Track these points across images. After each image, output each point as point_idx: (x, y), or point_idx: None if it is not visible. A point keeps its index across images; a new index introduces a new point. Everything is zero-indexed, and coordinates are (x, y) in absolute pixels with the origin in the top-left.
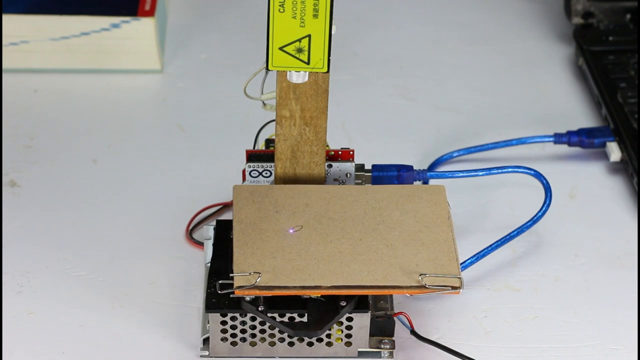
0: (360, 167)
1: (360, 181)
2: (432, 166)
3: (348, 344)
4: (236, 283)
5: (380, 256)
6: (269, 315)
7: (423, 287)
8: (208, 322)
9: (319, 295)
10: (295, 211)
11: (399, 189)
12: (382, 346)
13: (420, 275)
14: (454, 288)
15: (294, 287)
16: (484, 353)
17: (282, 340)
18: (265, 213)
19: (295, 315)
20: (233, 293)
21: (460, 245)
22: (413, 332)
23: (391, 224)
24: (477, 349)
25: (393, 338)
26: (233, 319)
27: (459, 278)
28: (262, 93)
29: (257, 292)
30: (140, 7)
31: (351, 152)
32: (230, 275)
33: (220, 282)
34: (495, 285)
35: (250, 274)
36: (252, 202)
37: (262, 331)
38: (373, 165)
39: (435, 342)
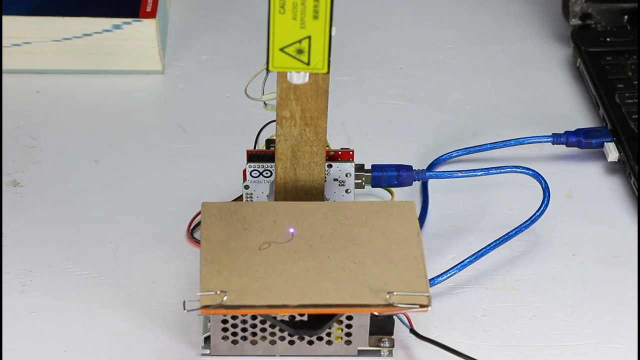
0: (360, 167)
1: (360, 181)
2: (431, 166)
3: (348, 342)
4: (202, 302)
5: (348, 274)
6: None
7: (391, 305)
8: (209, 321)
9: (286, 314)
10: (264, 228)
11: (368, 205)
12: (382, 345)
13: (388, 293)
14: (422, 306)
15: (261, 306)
16: (483, 352)
17: (282, 339)
18: (233, 230)
19: (295, 314)
20: (199, 312)
21: (458, 245)
22: (412, 331)
23: (360, 241)
24: (476, 348)
25: (392, 337)
26: (234, 317)
27: (427, 296)
28: (262, 94)
29: (224, 311)
30: (142, 9)
31: (351, 152)
32: (197, 294)
33: (185, 301)
34: (494, 285)
35: (216, 292)
36: (220, 220)
37: (263, 330)
38: (373, 165)
39: (435, 340)
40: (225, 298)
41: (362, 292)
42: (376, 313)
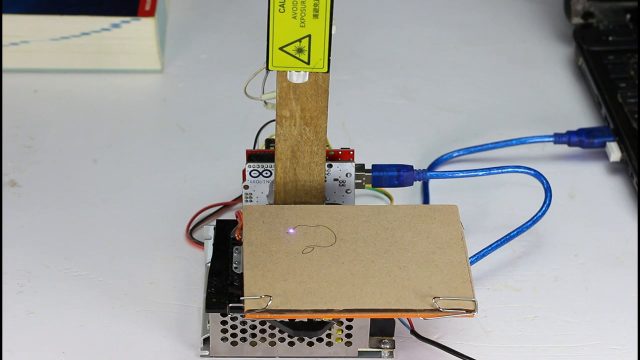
0: (360, 167)
1: (360, 181)
2: (432, 166)
3: (348, 343)
4: (247, 307)
5: (393, 278)
6: None
7: (437, 310)
8: (208, 322)
9: (331, 318)
10: (306, 232)
11: (411, 209)
12: (382, 346)
13: (434, 298)
14: (468, 311)
15: (306, 311)
16: (484, 353)
17: (282, 340)
18: (275, 234)
19: None
20: (244, 317)
21: None
22: (413, 332)
23: (404, 245)
24: (477, 349)
25: (393, 338)
26: (233, 318)
27: (474, 301)
28: (262, 93)
29: (268, 316)
30: (141, 7)
31: (351, 152)
32: (241, 298)
33: (230, 305)
34: (495, 285)
35: (261, 297)
36: (262, 223)
37: (262, 331)
38: (373, 165)
39: (435, 341)
40: (270, 302)
41: (407, 297)
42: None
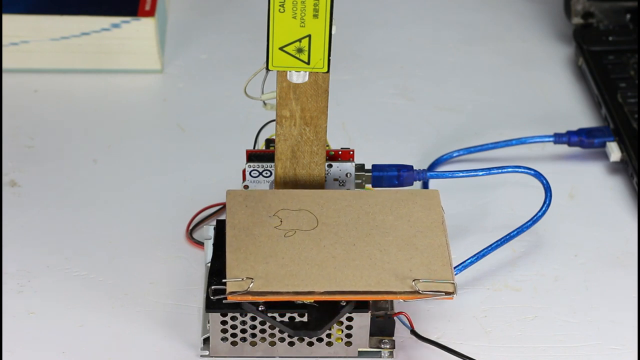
0: (360, 167)
1: (360, 181)
2: (432, 166)
3: (348, 343)
4: (229, 289)
5: (373, 261)
6: (269, 315)
7: (416, 292)
8: (208, 322)
9: (312, 300)
10: (289, 216)
11: (393, 193)
12: (382, 346)
13: (413, 280)
14: (447, 293)
15: (287, 293)
16: (484, 353)
17: (282, 340)
18: (258, 218)
19: (295, 315)
20: (226, 299)
21: (460, 245)
22: (413, 332)
23: (385, 228)
24: (477, 349)
25: (393, 338)
26: (233, 318)
27: (453, 283)
28: (262, 93)
29: (250, 298)
30: (141, 7)
31: (351, 152)
32: (223, 280)
33: (212, 287)
34: (495, 285)
35: (243, 279)
36: (245, 207)
37: (263, 331)
38: (373, 165)
39: (435, 341)
40: (251, 285)
41: (387, 279)
42: (377, 313)
